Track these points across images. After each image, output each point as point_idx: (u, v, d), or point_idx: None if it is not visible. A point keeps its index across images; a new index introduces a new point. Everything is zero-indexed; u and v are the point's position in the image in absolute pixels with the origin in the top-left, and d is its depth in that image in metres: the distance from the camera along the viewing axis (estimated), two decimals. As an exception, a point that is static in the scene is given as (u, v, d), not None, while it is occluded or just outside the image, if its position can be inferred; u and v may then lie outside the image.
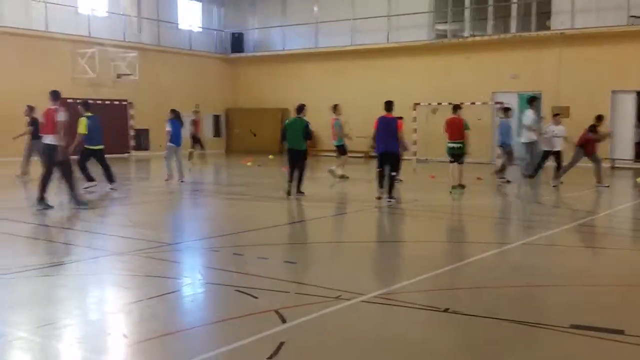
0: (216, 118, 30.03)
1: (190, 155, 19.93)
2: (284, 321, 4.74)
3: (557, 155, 14.96)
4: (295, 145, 12.62)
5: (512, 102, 21.25)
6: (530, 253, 7.78)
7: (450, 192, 13.46)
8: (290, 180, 12.60)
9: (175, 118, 15.31)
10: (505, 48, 22.71)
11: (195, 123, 19.97)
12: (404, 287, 5.84)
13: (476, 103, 21.27)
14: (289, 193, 12.50)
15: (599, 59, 20.80)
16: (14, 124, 17.66)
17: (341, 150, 16.33)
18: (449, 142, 13.81)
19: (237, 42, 29.86)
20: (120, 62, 24.58)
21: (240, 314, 4.97)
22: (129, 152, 25.75)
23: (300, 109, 12.88)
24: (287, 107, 28.47)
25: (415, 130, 19.78)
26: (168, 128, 15.19)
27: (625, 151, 21.14)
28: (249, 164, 21.38)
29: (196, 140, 20.07)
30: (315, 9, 26.81)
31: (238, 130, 28.87)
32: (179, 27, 28.40)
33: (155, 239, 8.29)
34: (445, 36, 24.64)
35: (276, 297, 5.44)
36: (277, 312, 4.94)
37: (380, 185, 12.09)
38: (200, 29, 29.46)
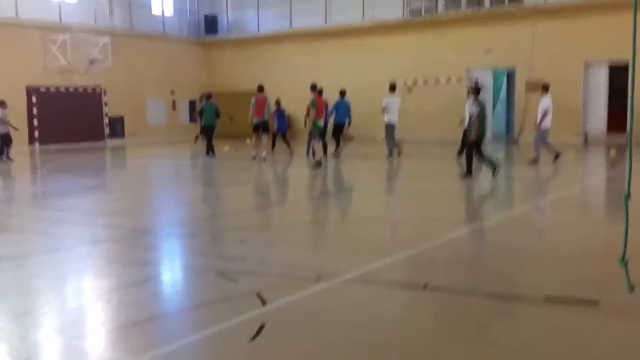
0: (192, 103, 29.75)
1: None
2: (264, 303, 4.77)
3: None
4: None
5: (487, 77, 21.34)
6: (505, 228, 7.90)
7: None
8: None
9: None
10: (479, 24, 22.77)
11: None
12: (384, 265, 5.89)
13: (452, 79, 21.38)
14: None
15: (571, 31, 20.97)
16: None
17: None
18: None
19: (210, 25, 29.47)
20: (92, 48, 24.17)
21: (221, 298, 4.98)
22: (103, 140, 25.44)
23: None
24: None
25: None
26: None
27: (598, 124, 21.37)
28: (225, 148, 21.25)
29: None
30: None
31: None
32: (152, 11, 27.99)
33: (132, 226, 8.25)
34: (419, 13, 24.61)
35: (256, 280, 5.46)
36: (257, 294, 4.97)
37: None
38: (173, 13, 29.04)
